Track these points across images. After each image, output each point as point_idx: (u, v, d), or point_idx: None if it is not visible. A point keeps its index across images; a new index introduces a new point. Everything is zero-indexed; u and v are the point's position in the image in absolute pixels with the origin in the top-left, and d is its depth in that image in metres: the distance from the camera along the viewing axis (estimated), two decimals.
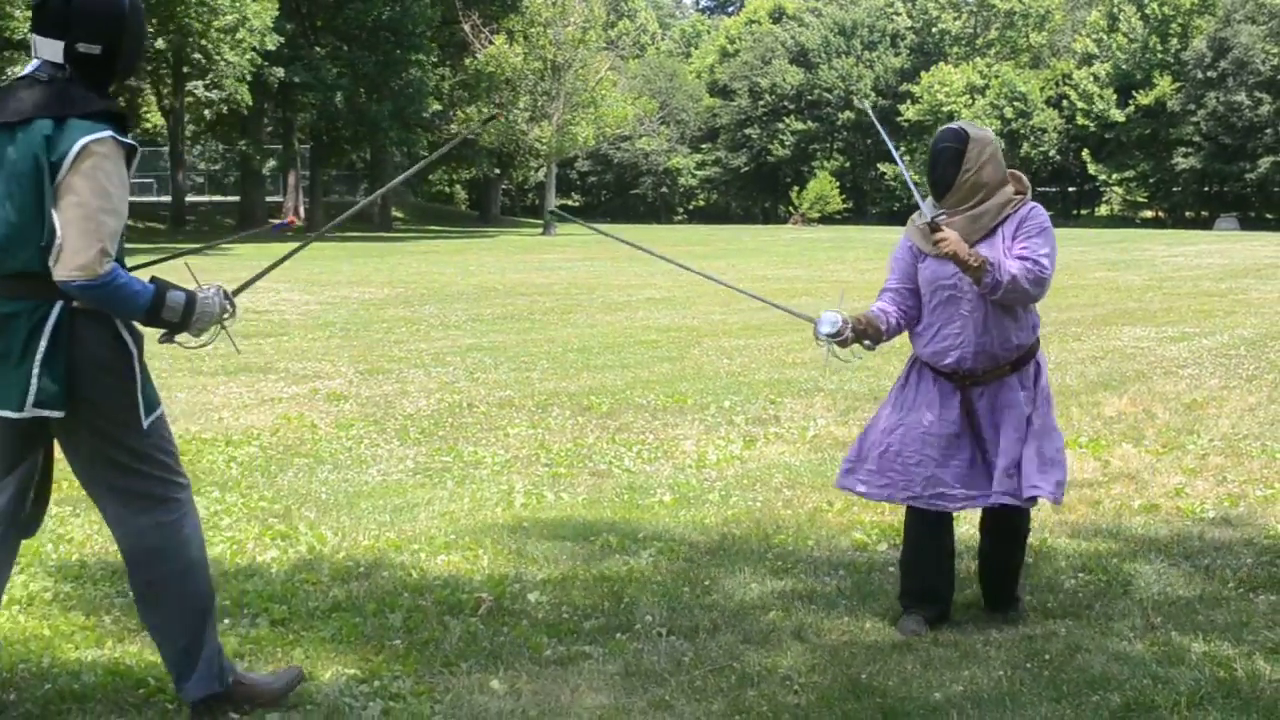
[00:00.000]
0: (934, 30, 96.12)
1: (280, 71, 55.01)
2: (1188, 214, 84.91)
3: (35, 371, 4.25)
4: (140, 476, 4.49)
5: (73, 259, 4.19)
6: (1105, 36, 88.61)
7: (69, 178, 4.21)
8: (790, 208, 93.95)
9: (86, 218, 4.20)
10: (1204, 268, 33.46)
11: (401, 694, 4.89)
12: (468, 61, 67.70)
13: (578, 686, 4.99)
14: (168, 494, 4.53)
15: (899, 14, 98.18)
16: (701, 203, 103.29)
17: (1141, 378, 13.31)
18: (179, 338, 4.60)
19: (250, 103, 53.19)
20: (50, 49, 4.35)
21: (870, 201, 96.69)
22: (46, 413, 4.29)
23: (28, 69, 4.42)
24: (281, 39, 51.93)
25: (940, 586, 5.85)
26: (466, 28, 66.09)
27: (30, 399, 4.26)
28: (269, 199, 69.32)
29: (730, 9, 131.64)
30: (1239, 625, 5.72)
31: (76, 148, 4.21)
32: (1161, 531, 7.36)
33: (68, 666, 5.11)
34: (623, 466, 9.26)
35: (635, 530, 7.38)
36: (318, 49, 61.42)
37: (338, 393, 12.45)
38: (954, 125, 5.72)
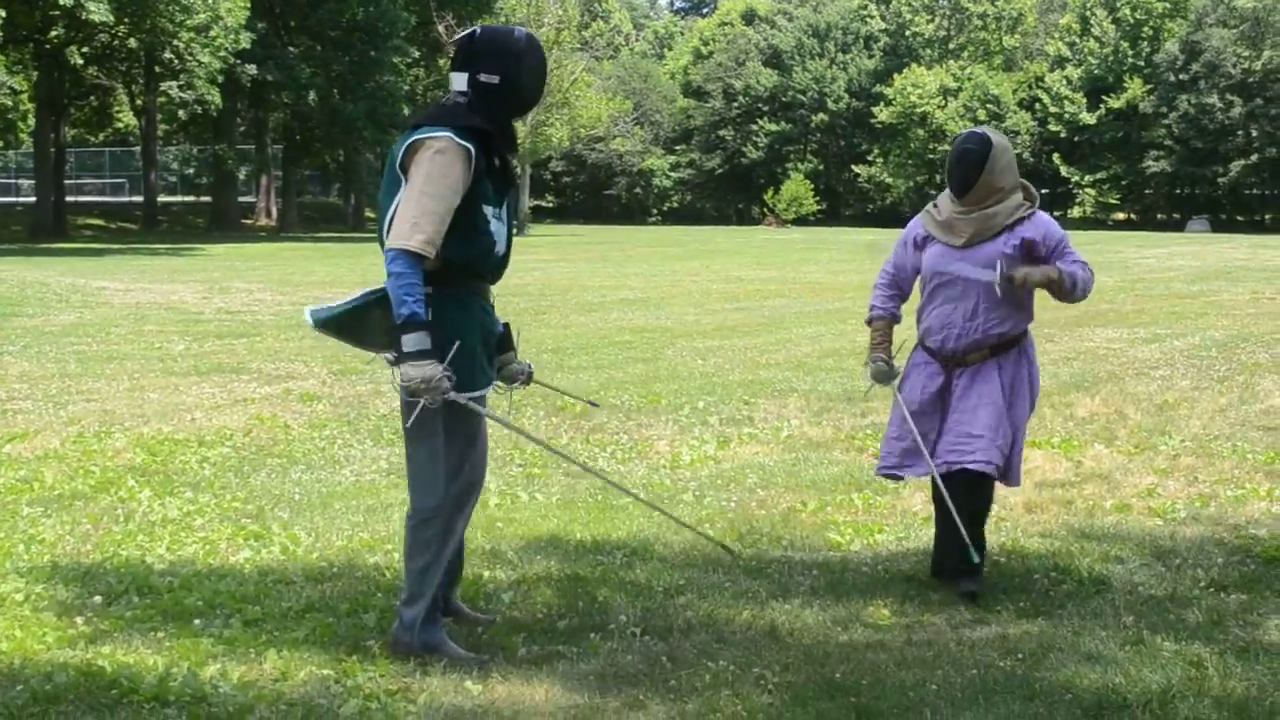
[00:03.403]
0: (907, 33, 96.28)
1: (253, 69, 54.81)
2: (1159, 216, 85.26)
3: None
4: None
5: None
6: (1077, 40, 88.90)
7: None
8: (764, 209, 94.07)
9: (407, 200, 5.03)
10: (1175, 270, 33.61)
11: (376, 694, 4.88)
12: (442, 62, 67.57)
13: (552, 687, 4.98)
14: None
15: (872, 16, 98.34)
16: (675, 204, 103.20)
17: (1114, 379, 13.36)
18: (394, 369, 5.11)
19: (220, 104, 52.98)
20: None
21: (844, 203, 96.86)
22: None
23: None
24: (254, 37, 51.73)
25: (953, 545, 6.18)
26: (441, 28, 65.96)
27: None
28: (241, 199, 69.15)
29: (704, 10, 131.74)
30: (1210, 624, 5.75)
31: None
32: (1134, 531, 7.39)
33: (40, 668, 5.08)
34: (597, 466, 9.26)
35: (609, 530, 7.38)
36: (291, 48, 61.29)
37: (311, 393, 12.41)
38: (979, 130, 6.15)
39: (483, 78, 5.14)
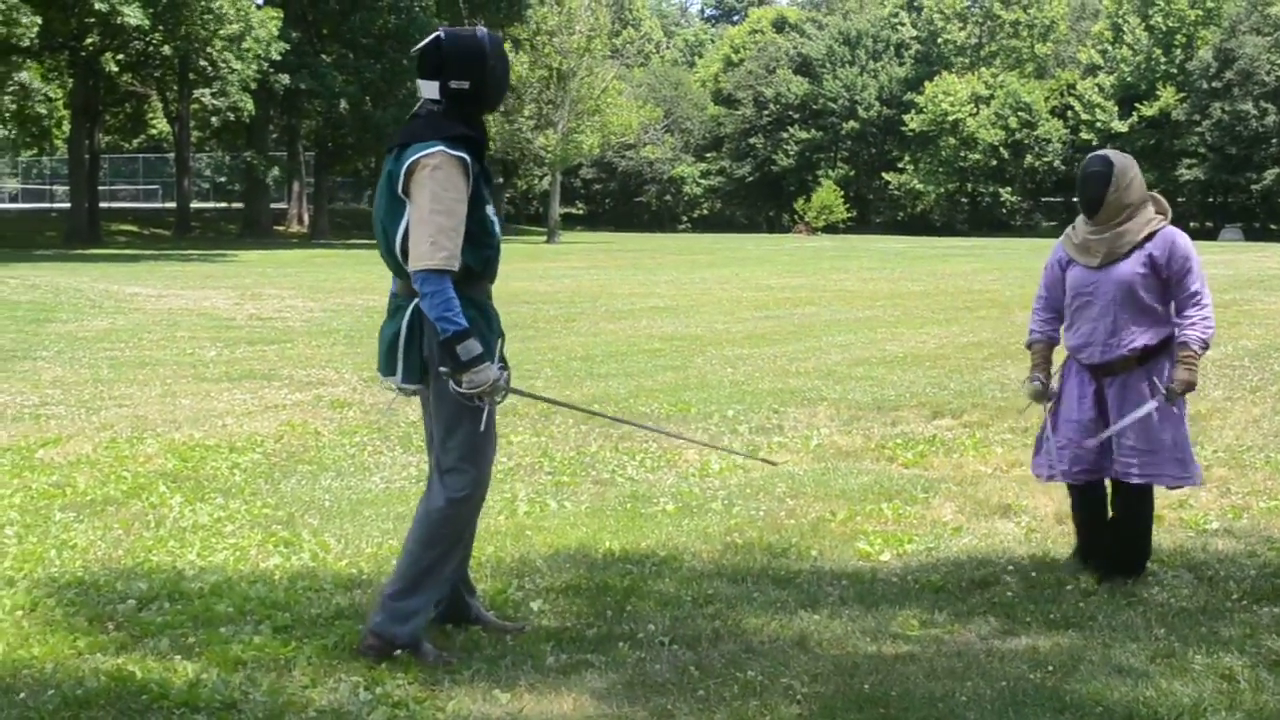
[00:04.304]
0: (939, 40, 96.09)
1: (285, 78, 55.07)
2: (1192, 225, 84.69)
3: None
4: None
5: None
6: (1110, 47, 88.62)
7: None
8: (794, 217, 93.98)
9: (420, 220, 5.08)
10: (1209, 279, 33.34)
11: (405, 701, 4.89)
12: None
13: (580, 695, 4.98)
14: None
15: (903, 24, 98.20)
16: (705, 211, 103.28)
17: None
18: (454, 381, 5.14)
19: (254, 111, 53.22)
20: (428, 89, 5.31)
21: (874, 211, 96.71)
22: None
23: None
24: (287, 46, 51.98)
25: (1098, 543, 6.73)
26: None
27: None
28: (273, 206, 69.42)
29: (734, 18, 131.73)
30: (1243, 637, 5.71)
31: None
32: (1165, 543, 7.34)
33: (71, 673, 5.10)
34: (625, 475, 9.26)
35: (638, 539, 7.37)
36: (323, 56, 61.53)
37: (341, 400, 12.45)
38: (1101, 152, 6.68)
39: (453, 84, 5.25)
